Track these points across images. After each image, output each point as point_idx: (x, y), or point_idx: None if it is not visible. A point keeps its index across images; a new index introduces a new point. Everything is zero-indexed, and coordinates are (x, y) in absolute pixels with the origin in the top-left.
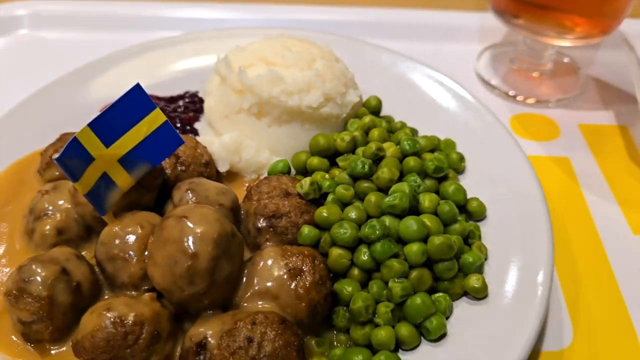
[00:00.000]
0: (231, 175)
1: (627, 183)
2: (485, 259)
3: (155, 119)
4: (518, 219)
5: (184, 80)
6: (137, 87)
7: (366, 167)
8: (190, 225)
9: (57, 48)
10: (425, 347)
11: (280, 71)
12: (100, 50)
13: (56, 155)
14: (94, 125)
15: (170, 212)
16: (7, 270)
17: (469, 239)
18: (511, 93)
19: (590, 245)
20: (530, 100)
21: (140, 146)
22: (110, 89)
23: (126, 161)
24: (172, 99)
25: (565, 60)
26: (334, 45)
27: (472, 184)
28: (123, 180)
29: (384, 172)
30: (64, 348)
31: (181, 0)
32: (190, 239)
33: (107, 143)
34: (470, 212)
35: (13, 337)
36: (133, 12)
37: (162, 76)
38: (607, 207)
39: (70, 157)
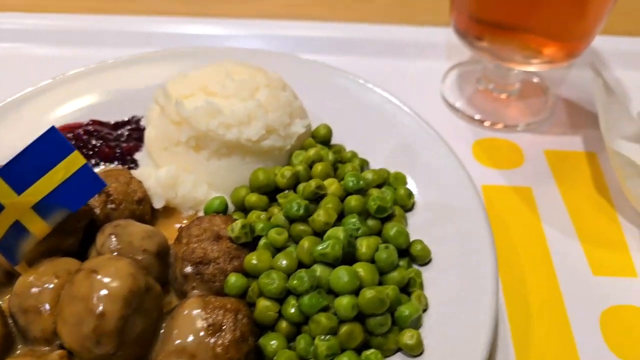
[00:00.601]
0: (168, 211)
1: (591, 217)
2: (425, 310)
3: (74, 162)
4: (464, 264)
5: (132, 104)
6: (52, 130)
7: (301, 209)
8: (100, 280)
9: (17, 63)
10: None
11: (219, 102)
12: (63, 66)
13: None
14: (3, 172)
15: (82, 265)
16: None
17: (409, 287)
18: (477, 117)
19: (546, 286)
20: (497, 125)
21: (56, 191)
22: (55, 115)
23: (41, 207)
24: (117, 125)
25: (535, 80)
26: (290, 69)
27: (420, 222)
28: (38, 227)
29: (320, 214)
30: None
31: (148, 15)
32: (98, 296)
33: (19, 190)
34: (413, 256)
35: None
36: (98, 26)
37: (112, 98)
38: (568, 243)
39: None
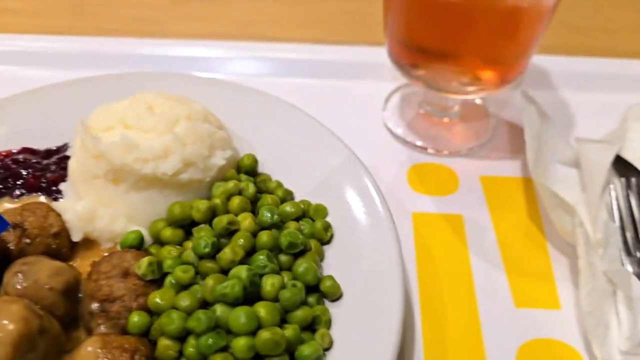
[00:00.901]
0: (88, 244)
1: (519, 247)
2: (328, 348)
3: None
4: (371, 302)
5: (67, 130)
6: None
7: (208, 247)
8: None
9: None
10: None
11: (137, 136)
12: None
13: None
14: None
15: None
16: None
17: (314, 324)
18: (417, 143)
19: (466, 317)
20: (437, 151)
21: None
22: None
23: None
24: (49, 153)
25: (477, 101)
26: (220, 93)
27: (335, 257)
28: None
29: (226, 252)
30: None
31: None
32: None
33: None
34: (323, 292)
35: None
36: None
37: (45, 125)
38: (493, 274)
39: None
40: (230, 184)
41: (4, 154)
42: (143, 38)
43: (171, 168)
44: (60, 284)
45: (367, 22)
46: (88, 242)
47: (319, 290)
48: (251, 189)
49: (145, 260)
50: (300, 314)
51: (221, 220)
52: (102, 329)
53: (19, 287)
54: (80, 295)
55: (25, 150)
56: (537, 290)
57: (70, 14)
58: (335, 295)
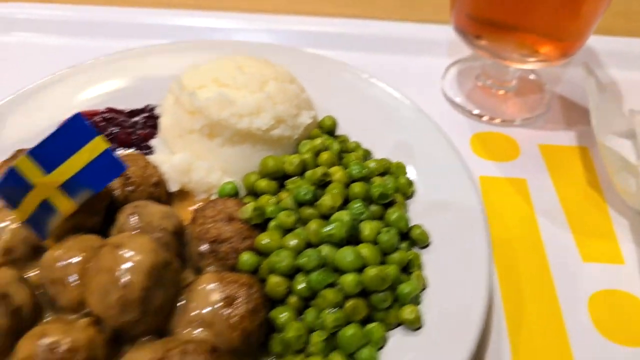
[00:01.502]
0: (183, 194)
1: (582, 208)
2: (424, 288)
3: (97, 146)
4: (460, 247)
5: (147, 92)
6: (77, 117)
7: (309, 194)
8: (124, 255)
9: (31, 52)
10: None
11: (231, 93)
12: (76, 56)
13: None
14: (33, 153)
15: (106, 241)
16: None
17: (409, 267)
18: (475, 112)
19: (538, 270)
20: (495, 120)
21: (81, 173)
22: (72, 103)
23: (67, 187)
24: (133, 113)
25: (531, 77)
26: (294, 61)
27: (419, 209)
28: (65, 205)
29: (326, 199)
30: None
31: (164, 7)
32: (123, 269)
33: (48, 170)
34: (413, 239)
35: None
36: (108, 18)
37: (126, 87)
38: (559, 232)
39: (7, 186)
40: (318, 141)
41: (91, 112)
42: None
43: (264, 124)
44: (171, 226)
45: (417, 3)
46: (182, 194)
47: (409, 238)
48: (336, 146)
49: (250, 206)
50: (397, 256)
51: (316, 172)
52: (211, 268)
53: (134, 227)
54: (186, 239)
55: (110, 110)
56: (602, 247)
57: None
58: (425, 242)
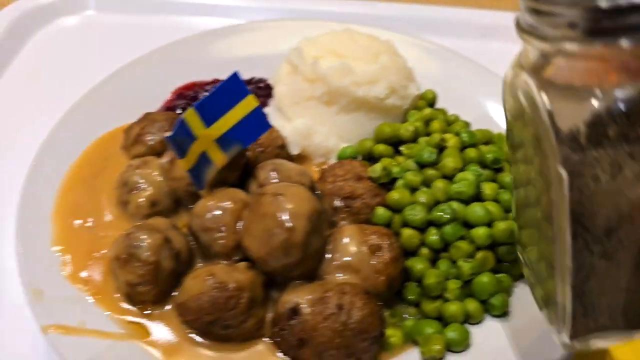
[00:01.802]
0: (300, 158)
1: None
2: None
3: (249, 104)
4: None
5: (248, 67)
6: (235, 75)
7: (433, 156)
8: (285, 202)
9: (121, 31)
10: (489, 322)
11: (350, 63)
12: (163, 36)
13: (168, 134)
14: (198, 107)
15: (264, 190)
16: (101, 236)
17: None
18: None
19: None
20: None
21: (234, 128)
22: (180, 73)
23: (222, 141)
24: None
25: None
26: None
27: None
28: (218, 158)
29: (450, 161)
30: (163, 309)
31: None
32: (287, 214)
33: (208, 124)
34: None
35: (115, 297)
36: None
37: (229, 62)
38: None
39: (178, 135)
40: (427, 111)
41: (200, 83)
42: None
43: (381, 92)
44: (307, 182)
45: None
46: (299, 157)
47: None
48: (442, 116)
49: (379, 165)
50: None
51: (434, 137)
52: (344, 222)
53: (275, 181)
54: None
55: (218, 81)
56: None
57: None
58: None
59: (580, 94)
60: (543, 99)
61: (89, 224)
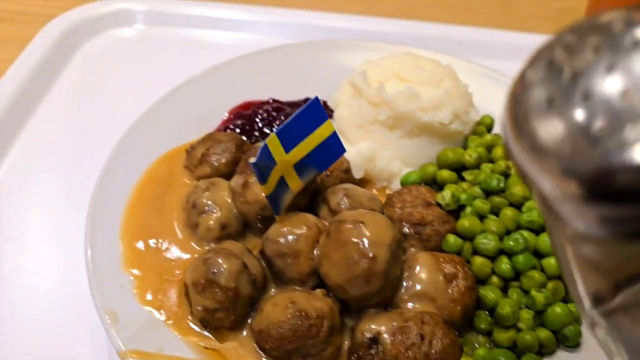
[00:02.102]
0: (362, 182)
1: None
2: None
3: (327, 129)
4: None
5: (303, 86)
6: (315, 101)
7: (501, 183)
8: (368, 230)
9: (170, 44)
10: (562, 352)
11: (416, 88)
12: (211, 51)
13: (253, 159)
14: (279, 133)
15: (343, 217)
16: (172, 257)
17: None
18: None
19: None
20: None
21: (311, 153)
22: (237, 91)
23: (299, 166)
24: (293, 104)
25: None
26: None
27: None
28: (295, 183)
29: (518, 189)
30: (239, 334)
31: (290, 7)
32: (370, 242)
33: (287, 149)
34: None
35: (190, 322)
36: (245, 16)
37: (281, 81)
38: None
39: (262, 161)
40: (488, 137)
41: (258, 102)
42: (319, 11)
43: (445, 118)
44: (378, 208)
45: (518, 13)
46: (360, 182)
47: None
48: (501, 142)
49: (449, 192)
50: None
51: (500, 165)
52: (413, 249)
53: (346, 207)
54: None
55: (275, 101)
56: None
57: None
58: None
59: None
60: None
61: (158, 245)
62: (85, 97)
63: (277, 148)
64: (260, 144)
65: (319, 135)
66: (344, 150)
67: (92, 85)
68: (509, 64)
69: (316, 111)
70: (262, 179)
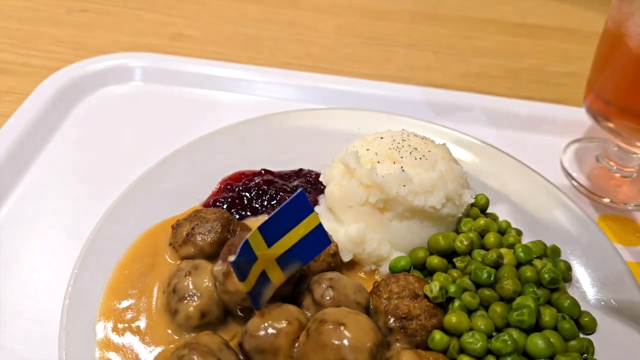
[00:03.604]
0: (349, 265)
1: None
2: None
3: (312, 221)
4: (626, 332)
5: (297, 156)
6: (302, 194)
7: (492, 277)
8: (348, 333)
9: (166, 102)
10: None
11: (409, 171)
12: (206, 109)
13: (232, 258)
14: (262, 228)
15: (324, 317)
16: (147, 346)
17: (584, 354)
18: (595, 191)
19: None
20: (609, 201)
21: (295, 246)
22: (229, 161)
23: (282, 260)
24: (286, 176)
25: None
26: (439, 136)
27: (577, 294)
28: (277, 277)
29: (509, 284)
30: None
31: (284, 66)
32: (349, 347)
33: (270, 243)
34: (582, 325)
35: None
36: (244, 75)
37: (274, 150)
38: None
39: (242, 258)
40: (481, 221)
41: (248, 174)
42: (315, 73)
43: (438, 202)
44: (364, 300)
45: (519, 77)
46: (349, 264)
47: (577, 323)
48: (495, 226)
49: (437, 284)
50: (577, 344)
51: (492, 255)
52: (398, 345)
53: (333, 300)
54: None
55: (266, 172)
56: None
57: (246, 45)
58: (593, 329)
59: None
60: None
61: (134, 332)
62: (81, 154)
63: (259, 243)
64: (243, 236)
65: (303, 227)
66: (329, 242)
67: (88, 142)
68: (512, 133)
69: (301, 204)
70: (242, 277)
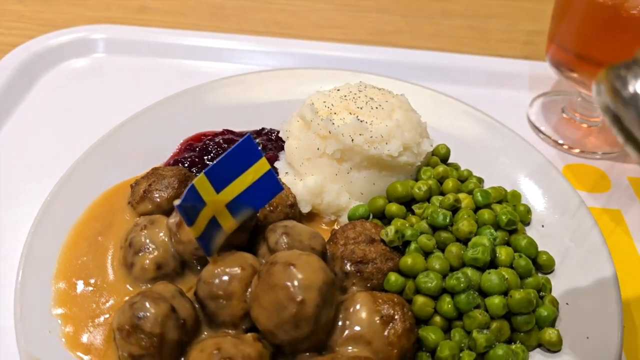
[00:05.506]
0: (309, 216)
1: None
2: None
3: (261, 167)
4: (585, 272)
5: (259, 116)
6: (249, 138)
7: (447, 219)
8: (298, 273)
9: (130, 73)
10: None
11: (364, 120)
12: (172, 78)
13: (177, 202)
14: (209, 172)
15: (275, 258)
16: (105, 300)
17: (541, 292)
18: (561, 142)
19: None
20: (582, 152)
21: (245, 192)
22: (191, 123)
23: (232, 206)
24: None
25: None
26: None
27: (537, 236)
28: (228, 224)
29: (464, 224)
30: None
31: (252, 34)
32: (298, 286)
33: (218, 189)
34: (540, 265)
35: None
36: (203, 43)
37: (238, 112)
38: None
39: (188, 203)
40: (440, 168)
41: (209, 134)
42: (283, 38)
43: (395, 150)
44: (319, 246)
45: (489, 37)
46: (308, 215)
47: (535, 264)
48: (454, 173)
49: (392, 228)
50: (533, 280)
51: (448, 198)
52: (355, 288)
53: (287, 246)
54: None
55: (227, 131)
56: None
57: (213, 16)
58: (551, 268)
59: None
60: None
61: (92, 287)
62: (45, 126)
63: (206, 188)
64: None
65: (252, 173)
66: (280, 188)
67: (52, 115)
68: (480, 90)
69: (249, 149)
70: (190, 221)
